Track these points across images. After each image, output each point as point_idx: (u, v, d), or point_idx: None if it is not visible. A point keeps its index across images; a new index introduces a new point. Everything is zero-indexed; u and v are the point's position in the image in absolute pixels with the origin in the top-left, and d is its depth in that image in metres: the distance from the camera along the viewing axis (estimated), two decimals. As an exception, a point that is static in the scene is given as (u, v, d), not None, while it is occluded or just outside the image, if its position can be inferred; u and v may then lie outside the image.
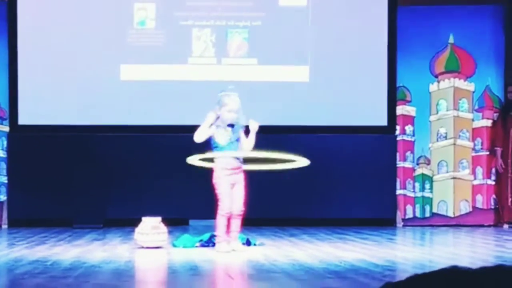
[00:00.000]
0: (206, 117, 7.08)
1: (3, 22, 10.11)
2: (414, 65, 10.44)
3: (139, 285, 5.32)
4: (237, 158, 7.13)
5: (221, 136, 7.07)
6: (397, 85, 10.39)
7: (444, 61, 10.53)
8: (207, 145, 7.16)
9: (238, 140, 7.14)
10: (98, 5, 10.13)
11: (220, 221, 7.10)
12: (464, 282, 1.78)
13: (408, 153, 10.48)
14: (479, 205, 10.49)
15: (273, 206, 10.10)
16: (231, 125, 7.09)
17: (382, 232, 9.26)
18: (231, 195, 7.08)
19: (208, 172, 7.25)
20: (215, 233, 7.21)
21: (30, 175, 10.03)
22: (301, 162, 7.29)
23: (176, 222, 9.51)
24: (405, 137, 10.48)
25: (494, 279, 1.80)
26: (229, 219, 7.12)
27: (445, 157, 10.49)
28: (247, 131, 7.20)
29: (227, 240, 7.11)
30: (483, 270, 1.82)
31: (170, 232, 7.74)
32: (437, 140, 10.50)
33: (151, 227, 7.36)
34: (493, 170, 10.50)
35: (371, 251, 7.00)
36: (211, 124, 7.06)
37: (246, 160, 7.21)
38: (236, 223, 7.16)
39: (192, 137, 7.16)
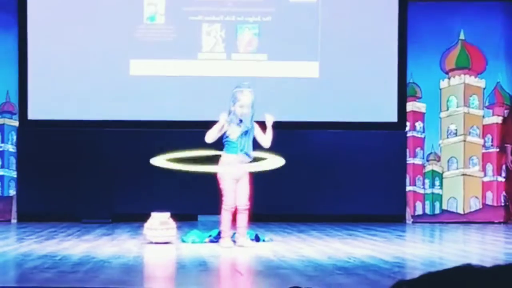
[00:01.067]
0: (219, 119, 7.09)
1: (13, 16, 10.11)
2: (424, 61, 10.40)
3: (148, 280, 5.31)
4: (247, 155, 7.13)
5: (233, 131, 7.07)
6: (407, 81, 10.36)
7: (455, 58, 10.49)
8: (219, 139, 7.15)
9: (248, 134, 7.11)
10: (108, 0, 10.12)
11: (224, 216, 7.11)
12: (478, 280, 1.76)
13: (418, 150, 10.45)
14: (489, 202, 10.45)
15: (282, 202, 10.09)
16: (241, 121, 7.08)
17: (392, 228, 9.24)
18: (235, 191, 7.10)
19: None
20: (219, 228, 7.23)
21: (39, 170, 10.04)
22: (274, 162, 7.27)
23: (185, 217, 9.51)
24: (415, 134, 10.44)
25: (508, 277, 1.78)
26: (235, 215, 7.13)
27: (455, 153, 10.45)
28: (263, 126, 7.20)
29: (231, 235, 7.12)
30: (497, 268, 1.80)
31: (179, 228, 7.74)
32: (447, 137, 10.47)
33: (160, 223, 7.35)
34: (503, 167, 10.46)
35: (381, 248, 6.98)
36: (223, 126, 7.06)
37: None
38: (243, 218, 7.16)
39: (201, 132, 7.17)
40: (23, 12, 10.02)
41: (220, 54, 10.15)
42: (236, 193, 7.11)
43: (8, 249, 6.77)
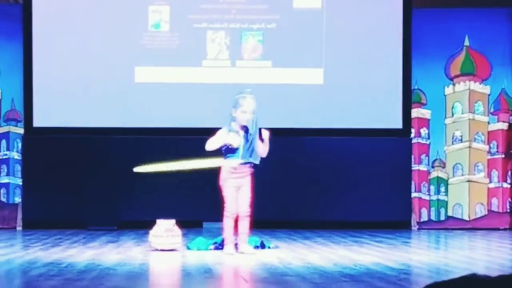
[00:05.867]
0: (219, 132, 7.07)
1: (18, 24, 10.14)
2: (429, 68, 10.40)
3: (153, 287, 5.31)
4: (249, 163, 7.11)
5: (234, 141, 7.04)
6: (412, 88, 10.36)
7: (460, 64, 10.49)
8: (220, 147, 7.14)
9: (252, 142, 7.09)
10: (113, 8, 10.15)
11: (226, 223, 7.12)
12: (484, 290, 1.76)
13: (423, 156, 10.44)
14: (494, 208, 10.44)
15: (288, 208, 10.09)
16: (245, 128, 7.05)
17: (397, 235, 9.23)
18: (236, 198, 7.09)
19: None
20: (223, 235, 7.23)
21: (45, 177, 10.05)
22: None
23: (190, 224, 9.51)
24: (420, 140, 10.44)
25: (513, 287, 1.78)
26: (236, 221, 7.13)
27: (460, 160, 10.45)
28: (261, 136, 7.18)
29: (234, 242, 7.12)
30: (502, 278, 1.80)
31: (184, 235, 7.74)
32: (453, 143, 10.46)
33: (165, 230, 7.36)
34: (509, 173, 10.45)
35: (386, 255, 6.97)
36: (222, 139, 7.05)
37: None
38: (244, 225, 7.15)
39: (206, 139, 7.16)
40: (28, 21, 10.04)
41: (224, 61, 10.17)
42: (237, 200, 7.11)
43: (13, 256, 6.78)
